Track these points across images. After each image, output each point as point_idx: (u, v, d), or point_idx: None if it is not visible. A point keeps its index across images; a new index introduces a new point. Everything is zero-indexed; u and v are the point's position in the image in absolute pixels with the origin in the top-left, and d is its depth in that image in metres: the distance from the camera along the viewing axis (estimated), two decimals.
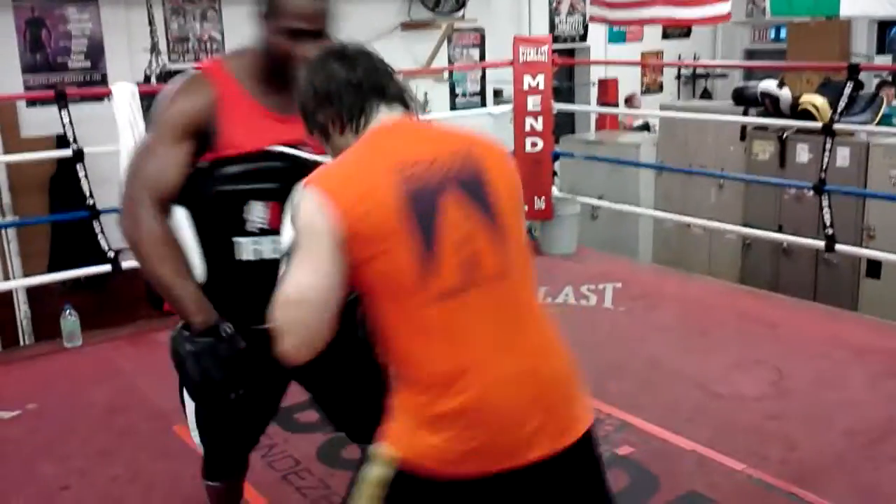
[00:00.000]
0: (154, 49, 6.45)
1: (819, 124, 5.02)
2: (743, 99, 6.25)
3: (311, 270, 1.52)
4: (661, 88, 10.55)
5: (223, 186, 1.90)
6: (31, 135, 5.94)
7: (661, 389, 3.71)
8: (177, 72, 6.36)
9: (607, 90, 9.38)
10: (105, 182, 4.13)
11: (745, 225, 5.96)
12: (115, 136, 4.30)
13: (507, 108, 6.14)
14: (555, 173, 6.29)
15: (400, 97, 1.70)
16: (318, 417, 2.79)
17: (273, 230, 1.87)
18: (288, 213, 1.61)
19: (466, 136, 1.71)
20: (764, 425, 3.40)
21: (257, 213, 1.91)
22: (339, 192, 1.52)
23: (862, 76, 4.90)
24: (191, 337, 1.83)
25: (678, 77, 10.71)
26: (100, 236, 4.34)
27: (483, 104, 8.65)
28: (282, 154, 1.91)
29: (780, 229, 5.79)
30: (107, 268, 4.37)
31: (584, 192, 6.37)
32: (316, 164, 1.79)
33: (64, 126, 4.38)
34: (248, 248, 1.92)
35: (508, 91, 6.92)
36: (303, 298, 1.52)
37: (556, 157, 6.20)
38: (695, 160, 6.48)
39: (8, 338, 5.61)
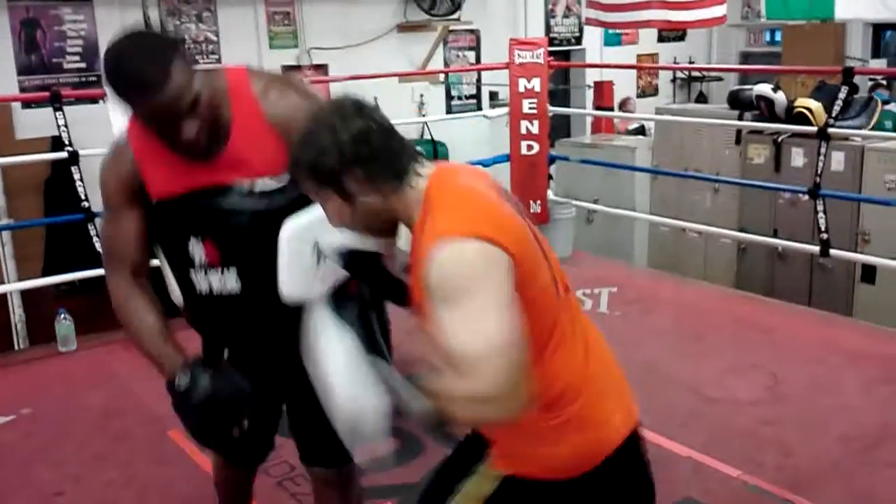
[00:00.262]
0: None
1: (814, 128, 5.03)
2: (738, 102, 6.26)
3: (501, 312, 1.42)
4: (656, 91, 10.56)
5: (166, 226, 1.96)
6: (26, 137, 5.92)
7: (655, 394, 3.70)
8: None
9: (603, 93, 9.39)
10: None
11: (740, 229, 5.97)
12: (111, 138, 4.27)
13: (503, 111, 6.14)
14: (550, 177, 6.30)
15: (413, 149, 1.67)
16: None
17: (213, 265, 1.93)
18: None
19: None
20: (759, 431, 3.40)
21: (197, 249, 1.93)
22: (495, 230, 1.48)
23: (857, 80, 4.90)
24: (171, 392, 1.89)
25: (674, 80, 10.72)
26: (95, 239, 4.33)
27: (479, 107, 8.65)
28: (206, 193, 1.89)
29: (775, 234, 5.81)
30: (102, 271, 4.34)
31: (579, 196, 6.37)
32: (248, 195, 1.88)
33: (59, 128, 4.36)
34: (202, 282, 1.96)
35: (504, 93, 6.93)
36: (502, 344, 1.39)
37: (551, 160, 6.20)
38: (690, 164, 6.48)
39: (2, 342, 5.58)
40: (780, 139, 5.94)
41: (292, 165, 1.63)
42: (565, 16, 9.68)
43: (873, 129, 5.58)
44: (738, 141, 6.27)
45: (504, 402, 1.39)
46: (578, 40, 9.75)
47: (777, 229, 5.90)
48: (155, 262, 2.04)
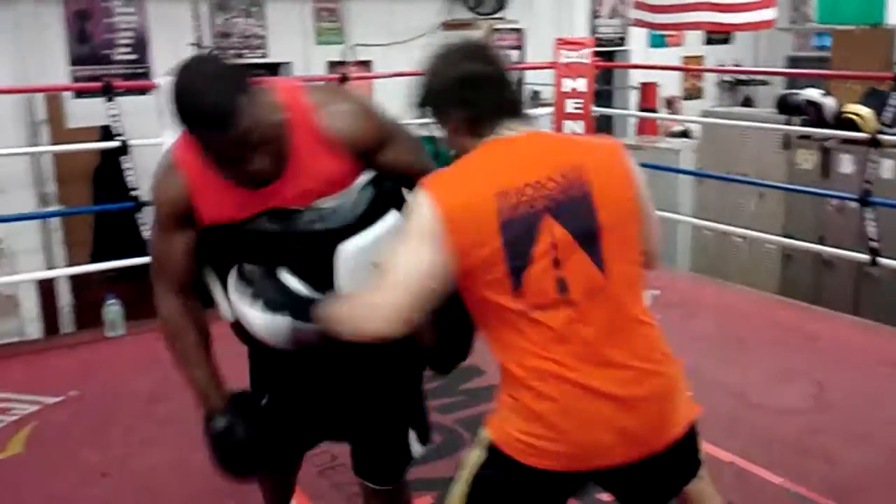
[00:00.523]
0: (199, 44, 6.50)
1: (864, 134, 4.96)
2: (787, 107, 6.19)
3: (412, 256, 1.61)
4: (700, 94, 10.47)
5: (214, 250, 1.92)
6: (76, 126, 6.02)
7: (698, 399, 3.62)
8: None
9: (647, 94, 9.33)
10: (148, 174, 4.17)
11: (785, 235, 5.90)
12: (158, 130, 4.34)
13: (546, 110, 6.13)
14: None
15: (519, 108, 1.74)
16: None
17: None
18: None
19: (578, 146, 1.79)
20: (803, 439, 3.37)
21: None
22: (444, 195, 1.62)
23: None
24: (205, 425, 1.93)
25: (719, 83, 10.62)
26: (142, 228, 4.39)
27: None
28: (262, 217, 1.86)
29: (821, 241, 5.73)
30: (149, 259, 4.41)
31: None
32: (304, 219, 1.85)
33: (110, 118, 4.44)
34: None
35: (546, 93, 6.91)
36: (398, 281, 1.62)
37: None
38: (735, 168, 6.42)
39: (50, 326, 5.69)
40: (828, 145, 5.87)
41: (412, 97, 1.77)
42: (610, 16, 9.63)
43: None
44: (785, 146, 6.21)
45: (366, 325, 1.65)
46: (623, 41, 9.70)
47: (823, 236, 5.83)
48: None
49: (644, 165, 7.42)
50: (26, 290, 5.66)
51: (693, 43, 10.05)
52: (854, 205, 4.90)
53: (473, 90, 1.69)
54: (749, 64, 10.46)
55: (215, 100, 1.65)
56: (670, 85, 9.78)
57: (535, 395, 1.62)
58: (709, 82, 10.54)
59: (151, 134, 4.48)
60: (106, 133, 5.04)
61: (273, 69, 7.15)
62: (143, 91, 5.36)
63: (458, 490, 1.76)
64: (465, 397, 3.74)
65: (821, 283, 5.97)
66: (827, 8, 7.22)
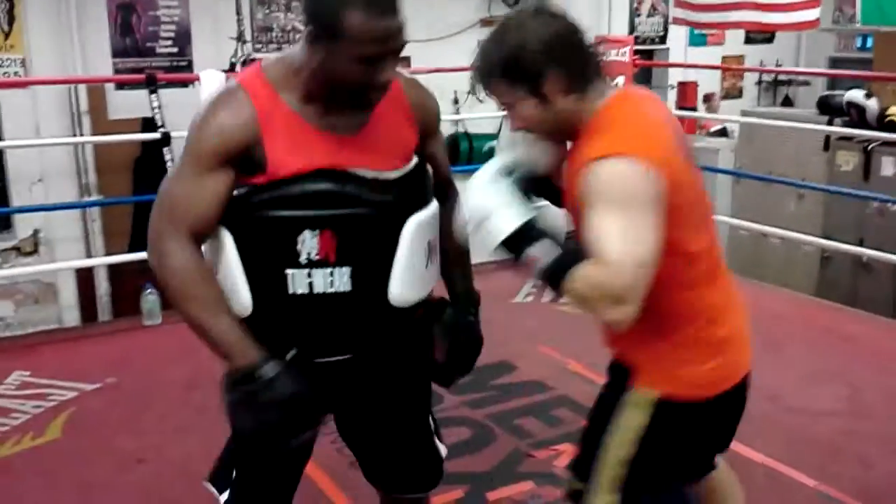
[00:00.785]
0: (240, 38, 6.56)
1: None
2: (828, 108, 6.12)
3: (650, 233, 1.56)
4: (740, 94, 10.36)
5: (275, 212, 1.67)
6: (118, 117, 6.10)
7: None
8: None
9: (686, 93, 9.25)
10: None
11: (824, 237, 5.83)
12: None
13: None
14: None
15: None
16: None
17: (323, 262, 1.69)
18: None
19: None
20: (837, 442, 3.33)
21: (309, 242, 1.68)
22: (653, 157, 1.59)
23: None
24: (232, 384, 1.67)
25: (759, 83, 10.51)
26: None
27: None
28: (336, 175, 1.69)
29: (860, 243, 5.66)
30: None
31: None
32: (378, 184, 1.70)
33: (153, 110, 4.50)
34: (301, 282, 1.70)
35: None
36: (647, 261, 1.55)
37: None
38: (774, 168, 6.36)
39: (88, 313, 5.78)
40: (870, 147, 5.79)
41: (483, 65, 1.67)
42: (650, 14, 9.56)
43: None
44: (826, 147, 6.13)
45: (623, 307, 1.53)
46: (663, 39, 9.63)
47: (863, 238, 5.75)
48: None
49: None
50: (65, 279, 5.75)
51: (734, 42, 9.95)
52: (895, 207, 4.83)
53: (573, 47, 1.65)
54: (790, 64, 10.34)
55: None
56: (710, 84, 9.69)
57: (727, 325, 1.82)
58: (749, 82, 10.43)
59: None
60: (147, 125, 5.11)
61: None
62: (184, 84, 5.42)
63: (620, 454, 1.81)
64: (496, 392, 3.75)
65: (859, 285, 5.89)
66: (871, 9, 7.09)
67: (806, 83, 10.07)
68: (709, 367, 1.79)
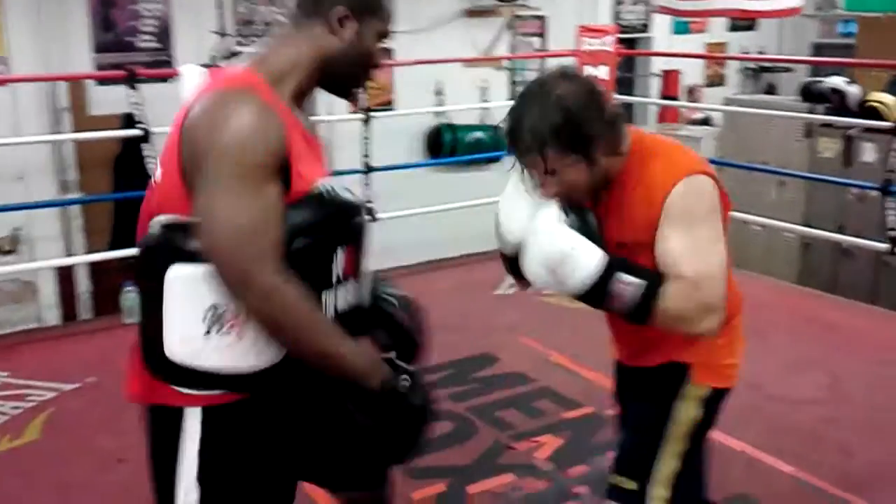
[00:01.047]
0: (221, 31, 6.53)
1: (888, 123, 4.90)
2: (810, 95, 6.13)
3: (723, 243, 1.76)
4: (723, 81, 10.36)
5: (314, 235, 1.55)
6: (99, 113, 6.06)
7: None
8: (246, 54, 6.44)
9: (669, 82, 9.25)
10: None
11: (805, 224, 5.85)
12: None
13: None
14: None
15: None
16: None
17: (346, 278, 1.61)
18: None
19: None
20: (818, 429, 3.35)
21: (339, 260, 1.58)
22: (710, 172, 1.79)
23: None
24: (383, 401, 1.61)
25: (742, 70, 10.51)
26: None
27: None
28: (338, 183, 1.62)
29: (841, 230, 5.67)
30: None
31: None
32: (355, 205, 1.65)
33: (132, 106, 4.47)
34: (331, 303, 1.59)
35: None
36: (725, 268, 1.75)
37: None
38: (756, 156, 6.36)
39: (68, 313, 5.74)
40: (851, 133, 5.80)
41: (530, 133, 1.72)
42: (634, 2, 9.55)
43: None
44: (808, 134, 6.14)
45: (716, 314, 1.71)
46: (646, 28, 9.62)
47: (843, 225, 5.77)
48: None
49: None
50: (45, 277, 5.71)
51: (717, 30, 9.93)
52: (875, 194, 4.84)
53: (609, 111, 1.77)
54: (773, 51, 10.33)
55: None
56: (693, 72, 9.69)
57: (740, 313, 2.00)
58: (732, 69, 10.41)
59: (172, 122, 4.50)
60: (128, 121, 5.07)
61: None
62: (165, 79, 5.39)
63: (678, 448, 1.93)
64: (477, 385, 3.76)
65: (839, 272, 5.92)
66: None
67: (789, 70, 10.07)
68: (737, 360, 1.99)
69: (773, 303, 4.83)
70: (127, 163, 5.72)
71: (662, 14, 8.07)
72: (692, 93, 9.18)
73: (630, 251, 1.77)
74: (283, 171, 1.50)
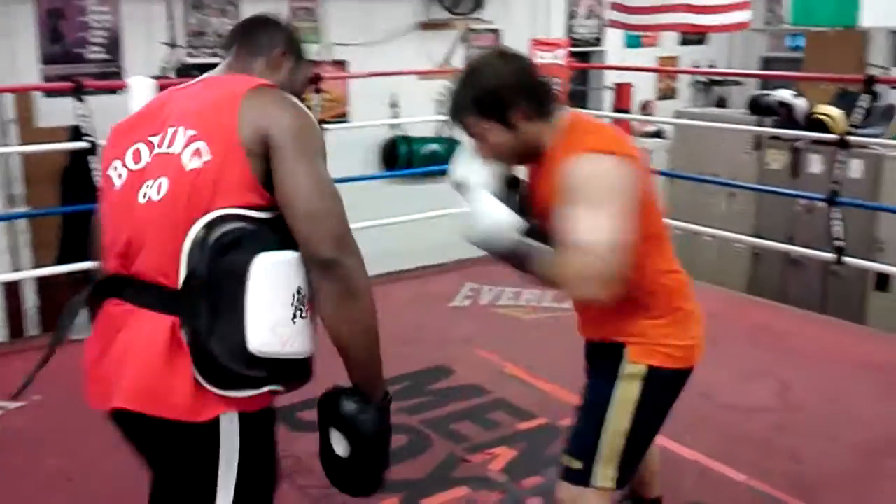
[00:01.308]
0: (172, 43, 6.47)
1: (833, 135, 5.00)
2: (759, 107, 6.24)
3: (626, 220, 1.81)
4: (675, 94, 10.51)
5: None
6: (46, 125, 5.97)
7: None
8: (197, 66, 6.38)
9: (621, 95, 9.36)
10: None
11: (756, 235, 5.94)
12: None
13: None
14: None
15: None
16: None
17: None
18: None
19: None
20: (769, 437, 3.39)
21: None
22: (625, 151, 1.89)
23: (878, 88, 4.88)
24: (385, 408, 1.71)
25: (693, 83, 10.67)
26: None
27: None
28: None
29: (790, 240, 5.77)
30: None
31: None
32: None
33: (79, 118, 4.40)
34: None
35: None
36: (625, 244, 1.80)
37: None
38: (707, 168, 6.46)
39: (15, 329, 5.63)
40: (798, 145, 5.91)
41: (457, 102, 1.97)
42: (587, 17, 9.65)
43: (893, 138, 5.54)
44: (756, 146, 6.25)
45: (594, 282, 1.77)
46: (599, 41, 9.73)
47: (792, 236, 5.87)
48: None
49: None
50: None
51: (668, 44, 10.09)
52: (822, 205, 4.94)
53: (538, 81, 1.97)
54: (723, 64, 10.52)
55: None
56: (645, 85, 9.81)
57: (691, 301, 2.09)
58: (683, 83, 10.58)
59: None
60: (76, 133, 4.99)
61: None
62: (113, 91, 5.32)
63: (620, 426, 2.02)
64: (432, 397, 3.74)
65: (788, 281, 6.02)
66: (801, 9, 7.27)
67: (738, 83, 10.25)
68: (685, 343, 2.06)
69: (725, 312, 4.88)
70: (74, 176, 5.62)
71: (614, 28, 8.17)
72: (645, 107, 9.29)
73: (550, 217, 1.91)
74: None
